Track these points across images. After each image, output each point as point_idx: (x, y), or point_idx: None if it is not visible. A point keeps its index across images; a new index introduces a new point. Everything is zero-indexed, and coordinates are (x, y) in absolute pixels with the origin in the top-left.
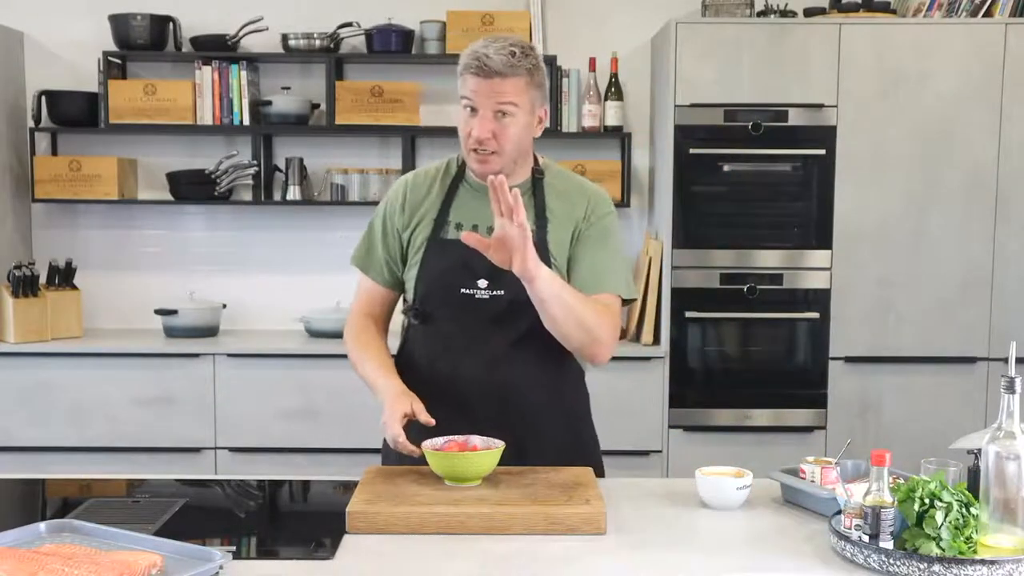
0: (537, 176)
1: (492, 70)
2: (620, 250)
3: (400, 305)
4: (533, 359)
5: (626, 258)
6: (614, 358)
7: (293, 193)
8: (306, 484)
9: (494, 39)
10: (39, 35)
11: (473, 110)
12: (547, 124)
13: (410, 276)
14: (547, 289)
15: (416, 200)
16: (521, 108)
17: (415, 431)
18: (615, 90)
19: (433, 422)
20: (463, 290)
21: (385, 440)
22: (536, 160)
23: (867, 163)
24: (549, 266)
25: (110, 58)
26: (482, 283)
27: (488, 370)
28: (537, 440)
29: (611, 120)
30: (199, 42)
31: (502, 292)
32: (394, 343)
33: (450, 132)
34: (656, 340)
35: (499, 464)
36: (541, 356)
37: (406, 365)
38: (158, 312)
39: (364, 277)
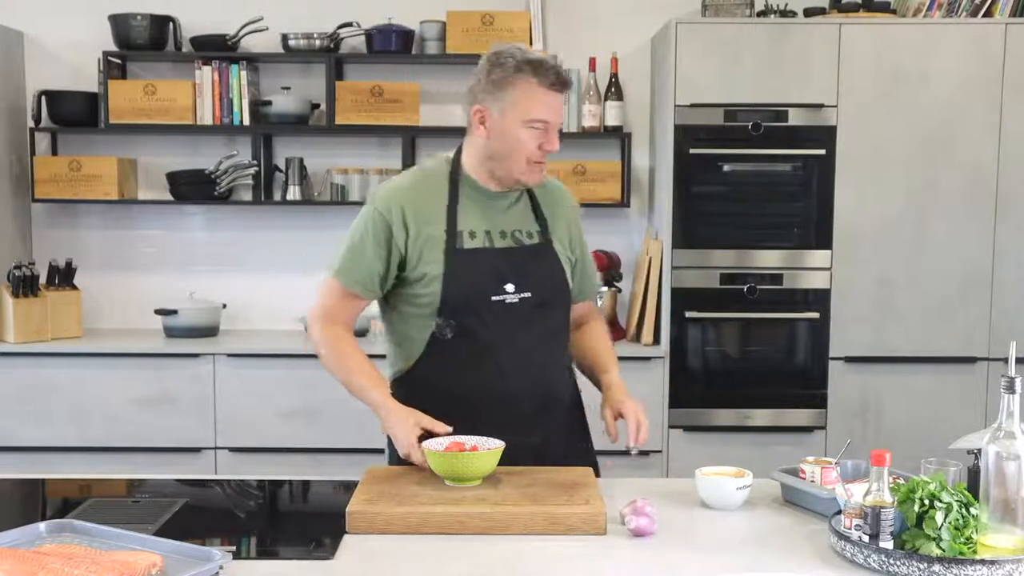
0: None
1: (566, 83)
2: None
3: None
4: (558, 354)
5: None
6: None
7: (293, 193)
8: (306, 484)
9: (527, 50)
10: (39, 35)
11: (546, 125)
12: None
13: (429, 291)
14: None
15: (415, 215)
16: None
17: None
18: (615, 90)
19: (450, 428)
20: (493, 297)
21: (389, 440)
22: None
23: (867, 163)
24: (561, 264)
25: (110, 58)
26: (509, 287)
27: (528, 372)
28: (559, 439)
29: (611, 120)
30: (199, 42)
31: (529, 294)
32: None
33: (450, 132)
34: (656, 340)
35: (529, 464)
36: (561, 350)
37: (428, 382)
38: (158, 312)
39: (342, 287)
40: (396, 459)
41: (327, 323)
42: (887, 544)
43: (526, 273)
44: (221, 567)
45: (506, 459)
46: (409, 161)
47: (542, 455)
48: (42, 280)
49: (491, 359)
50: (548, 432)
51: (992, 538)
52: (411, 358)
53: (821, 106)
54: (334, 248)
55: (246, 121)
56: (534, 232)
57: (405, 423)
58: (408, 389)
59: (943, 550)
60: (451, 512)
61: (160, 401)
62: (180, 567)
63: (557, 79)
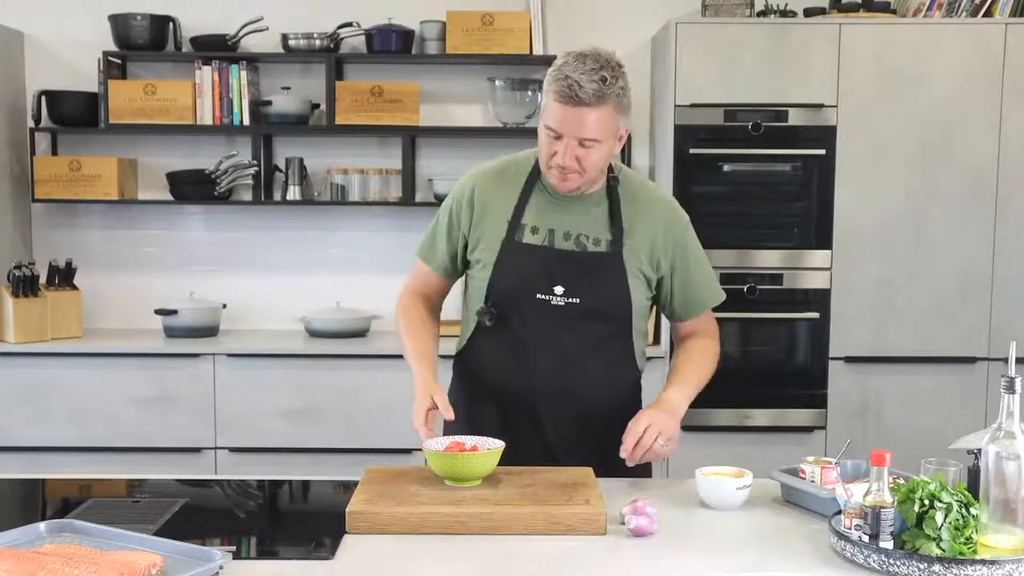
0: (612, 183)
1: (580, 100)
2: (703, 258)
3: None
4: (602, 365)
5: (707, 260)
6: None
7: (293, 193)
8: (306, 484)
9: (583, 57)
10: (39, 35)
11: (557, 134)
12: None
13: (481, 276)
14: (689, 400)
15: (485, 199)
16: (605, 138)
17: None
18: None
19: (452, 416)
20: (539, 295)
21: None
22: (610, 166)
23: (867, 163)
24: (625, 277)
25: (110, 58)
26: (558, 289)
27: (559, 374)
28: (602, 445)
29: None
30: (199, 42)
31: (577, 300)
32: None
33: (450, 132)
34: (656, 340)
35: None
36: (609, 362)
37: (472, 365)
38: (158, 312)
39: (423, 264)
40: (447, 428)
41: (407, 292)
42: (887, 544)
43: (580, 279)
44: (221, 567)
45: (552, 459)
46: (409, 161)
47: (592, 456)
48: (42, 280)
49: (522, 356)
50: (580, 438)
51: (992, 538)
52: (464, 338)
53: (821, 106)
54: (337, 248)
55: (246, 121)
56: (603, 240)
57: (422, 396)
58: (460, 371)
59: (943, 550)
60: (451, 512)
61: (160, 401)
62: (180, 567)
63: (569, 92)
